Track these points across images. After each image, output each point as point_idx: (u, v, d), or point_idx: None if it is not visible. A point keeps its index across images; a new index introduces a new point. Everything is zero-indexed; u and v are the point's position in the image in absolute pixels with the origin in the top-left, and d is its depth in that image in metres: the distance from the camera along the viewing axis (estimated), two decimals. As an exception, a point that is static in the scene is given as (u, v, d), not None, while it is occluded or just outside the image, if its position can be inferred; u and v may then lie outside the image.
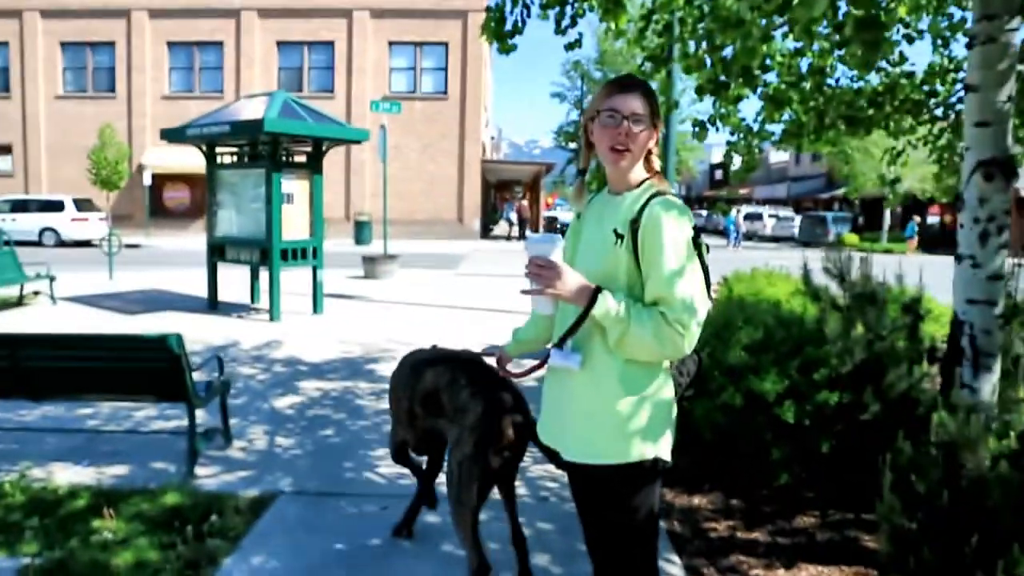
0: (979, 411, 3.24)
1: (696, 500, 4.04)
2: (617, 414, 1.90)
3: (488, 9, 4.77)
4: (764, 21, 2.88)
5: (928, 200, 32.51)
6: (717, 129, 4.82)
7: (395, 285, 13.74)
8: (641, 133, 1.93)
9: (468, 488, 2.72)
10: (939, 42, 4.99)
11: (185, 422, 4.15)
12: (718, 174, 66.67)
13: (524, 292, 1.99)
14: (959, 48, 4.76)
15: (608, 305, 1.83)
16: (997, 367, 3.39)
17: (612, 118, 1.92)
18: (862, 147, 28.99)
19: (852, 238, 34.66)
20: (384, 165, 15.05)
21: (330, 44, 28.51)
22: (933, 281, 4.48)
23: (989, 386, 3.37)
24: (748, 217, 42.16)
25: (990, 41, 3.21)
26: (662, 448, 1.95)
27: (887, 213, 35.38)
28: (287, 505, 3.74)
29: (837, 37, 3.90)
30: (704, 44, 3.66)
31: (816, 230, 35.45)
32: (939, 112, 5.05)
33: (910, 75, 4.51)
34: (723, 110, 4.88)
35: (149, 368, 3.98)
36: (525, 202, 38.39)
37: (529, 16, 4.83)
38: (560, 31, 4.79)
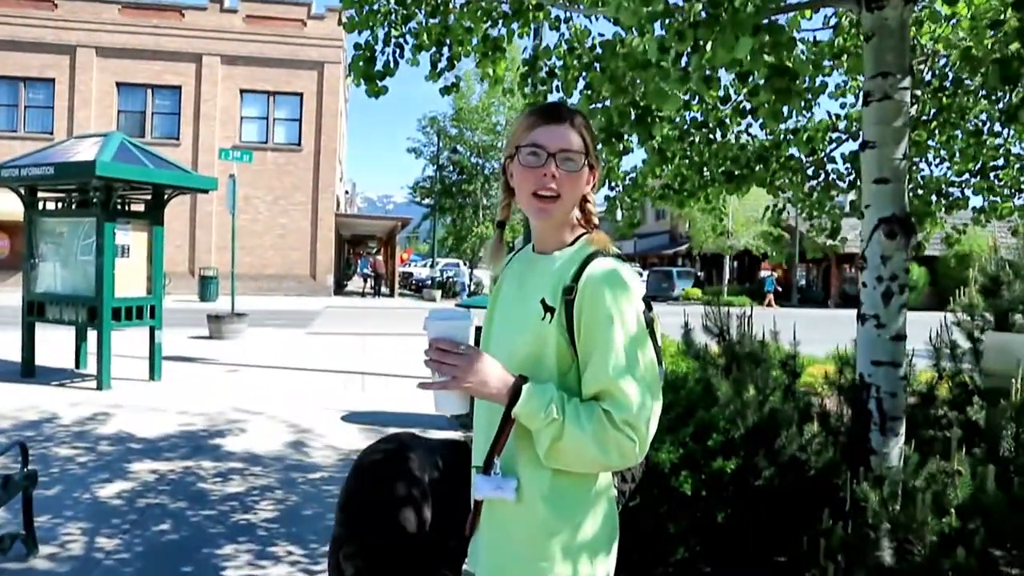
0: (895, 481, 3.08)
1: (592, 586, 3.65)
2: (540, 543, 1.47)
3: (357, 47, 4.36)
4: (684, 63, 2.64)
5: (762, 256, 34.76)
6: (609, 182, 4.62)
7: (243, 346, 12.73)
8: (573, 175, 1.53)
9: None
10: (803, 104, 5.06)
11: (-25, 527, 3.31)
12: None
13: (423, 386, 1.48)
14: (822, 111, 4.86)
15: (535, 402, 1.40)
16: (902, 430, 3.27)
17: (535, 156, 1.52)
18: (706, 206, 30.73)
19: (695, 291, 36.68)
20: (233, 217, 14.11)
21: (177, 89, 26.96)
22: (786, 334, 4.41)
23: (896, 451, 3.24)
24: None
25: (886, 98, 3.14)
26: None
27: (727, 268, 37.71)
28: (107, 629, 3.01)
29: (729, 89, 3.79)
30: (607, 86, 3.41)
31: (662, 284, 37.39)
32: (811, 172, 5.09)
33: (795, 132, 4.50)
34: (606, 163, 4.68)
35: (-73, 461, 3.15)
36: (380, 257, 37.77)
37: (402, 56, 4.46)
38: (435, 75, 4.46)
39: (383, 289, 34.08)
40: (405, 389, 8.78)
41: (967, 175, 5.28)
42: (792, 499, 3.78)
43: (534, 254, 1.65)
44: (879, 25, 3.15)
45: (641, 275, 37.45)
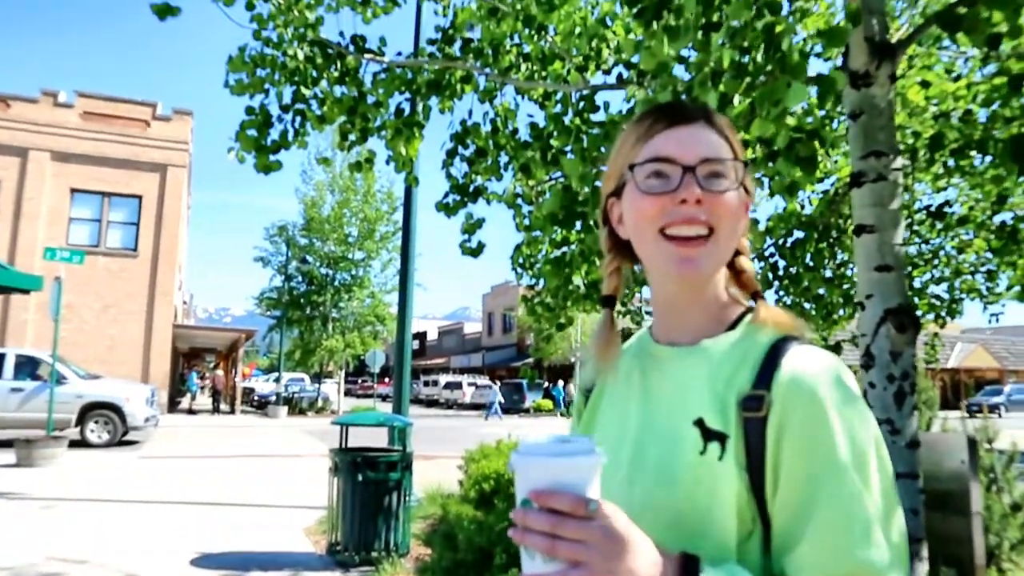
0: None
1: None
2: None
3: (249, 111, 3.67)
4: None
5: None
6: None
7: (61, 474, 10.83)
8: (728, 198, 0.95)
9: None
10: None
11: None
12: (415, 343, 69.00)
13: None
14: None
15: None
16: (926, 554, 2.81)
17: (661, 177, 0.95)
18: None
19: (547, 403, 36.85)
20: (56, 324, 12.40)
21: (-5, 184, 24.36)
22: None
23: (919, 582, 2.76)
24: (448, 386, 43.77)
25: (880, 179, 2.85)
26: None
27: (576, 379, 38.31)
28: None
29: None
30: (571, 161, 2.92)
31: (514, 396, 37.31)
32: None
33: (754, 221, 4.18)
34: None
35: None
36: (220, 372, 35.26)
37: (303, 126, 3.81)
38: (346, 146, 3.83)
39: (222, 406, 31.70)
40: (266, 519, 7.59)
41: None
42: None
43: (658, 346, 1.03)
44: (868, 104, 2.89)
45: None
